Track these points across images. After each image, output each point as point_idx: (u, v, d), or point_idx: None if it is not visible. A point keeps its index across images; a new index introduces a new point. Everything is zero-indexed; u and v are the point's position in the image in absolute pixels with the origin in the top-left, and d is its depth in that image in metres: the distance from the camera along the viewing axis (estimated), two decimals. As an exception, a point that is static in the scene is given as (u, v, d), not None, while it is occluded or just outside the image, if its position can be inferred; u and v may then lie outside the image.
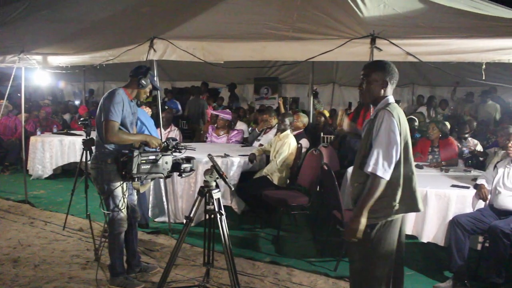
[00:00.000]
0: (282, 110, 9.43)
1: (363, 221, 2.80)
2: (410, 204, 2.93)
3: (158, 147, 3.90)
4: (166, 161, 3.80)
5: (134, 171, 3.62)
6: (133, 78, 4.01)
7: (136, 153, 3.63)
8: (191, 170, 3.93)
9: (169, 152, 3.87)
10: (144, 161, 3.68)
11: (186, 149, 4.04)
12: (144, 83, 3.99)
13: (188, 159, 3.92)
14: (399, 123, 2.81)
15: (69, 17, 7.24)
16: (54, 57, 6.46)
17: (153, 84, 4.09)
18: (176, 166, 3.86)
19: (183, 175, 3.96)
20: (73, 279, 4.19)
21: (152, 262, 4.61)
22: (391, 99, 2.95)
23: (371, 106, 3.16)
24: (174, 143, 3.93)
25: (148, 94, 4.16)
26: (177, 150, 3.95)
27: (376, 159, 2.76)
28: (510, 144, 4.34)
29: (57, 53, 6.50)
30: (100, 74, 12.69)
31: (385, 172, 2.76)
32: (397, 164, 2.81)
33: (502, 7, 5.98)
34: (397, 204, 2.86)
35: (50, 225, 5.72)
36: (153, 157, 3.74)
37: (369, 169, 2.76)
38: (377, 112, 2.88)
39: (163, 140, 4.05)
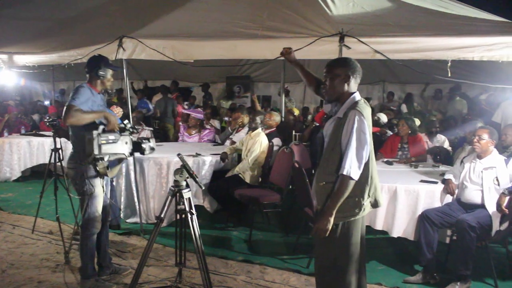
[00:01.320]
0: (258, 107, 9.43)
1: (331, 220, 2.85)
2: (374, 201, 3.00)
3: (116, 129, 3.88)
4: (126, 141, 3.80)
5: (96, 151, 3.59)
6: (91, 73, 3.97)
7: (95, 134, 3.59)
8: (152, 148, 3.93)
9: (127, 133, 3.86)
10: (104, 142, 3.65)
11: (144, 128, 4.03)
12: (103, 73, 3.96)
13: (148, 138, 3.93)
14: (368, 123, 2.85)
15: (35, 15, 7.11)
16: (21, 56, 6.35)
17: (111, 68, 4.05)
18: (136, 146, 3.87)
19: (145, 153, 3.96)
20: (43, 283, 4.12)
21: (124, 264, 4.56)
22: (357, 96, 2.95)
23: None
24: (130, 124, 3.92)
25: (112, 79, 4.10)
26: (134, 130, 3.94)
27: (350, 162, 2.79)
28: (475, 140, 4.43)
29: (24, 52, 6.38)
30: (70, 73, 12.42)
31: (356, 174, 2.81)
32: (366, 163, 2.86)
33: (468, 6, 6.12)
34: (365, 202, 2.91)
35: (18, 229, 5.59)
36: (113, 137, 3.73)
37: (344, 172, 2.79)
38: (347, 111, 2.88)
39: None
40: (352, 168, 2.79)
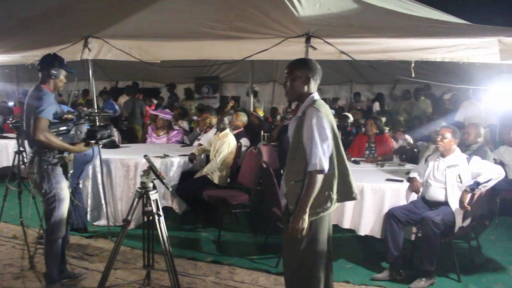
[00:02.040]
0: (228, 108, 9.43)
1: (306, 218, 2.87)
2: (346, 193, 3.04)
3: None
4: (80, 130, 3.76)
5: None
6: (43, 71, 3.86)
7: None
8: (109, 136, 3.89)
9: (82, 121, 3.80)
10: (54, 133, 3.62)
11: (101, 115, 3.98)
12: (55, 72, 3.84)
13: (105, 126, 3.88)
14: (327, 119, 2.90)
15: (-3, 14, 6.94)
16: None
17: (65, 69, 3.94)
18: (91, 134, 3.81)
19: (100, 143, 3.91)
20: (6, 289, 4.03)
21: (91, 267, 4.49)
22: (316, 96, 3.02)
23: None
24: (87, 111, 3.86)
25: (65, 81, 3.99)
26: (91, 118, 3.87)
27: (315, 156, 2.83)
28: (439, 139, 4.53)
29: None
30: (34, 74, 12.14)
31: (324, 166, 2.85)
32: (330, 157, 2.91)
33: (430, 8, 6.27)
34: (335, 195, 2.95)
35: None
36: (64, 127, 3.68)
37: (313, 168, 2.83)
38: (305, 109, 2.95)
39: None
40: (318, 161, 2.83)
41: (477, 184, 4.22)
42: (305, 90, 3.03)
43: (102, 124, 3.93)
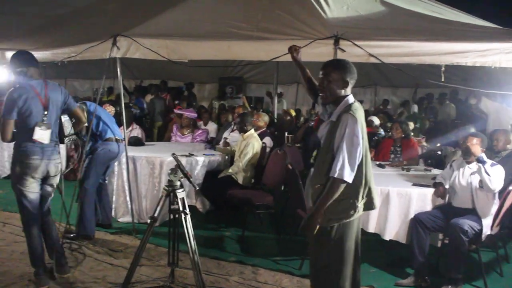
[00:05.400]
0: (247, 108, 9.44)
1: (320, 219, 2.87)
2: (368, 202, 3.01)
3: None
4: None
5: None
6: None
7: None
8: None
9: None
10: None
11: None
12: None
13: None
14: (361, 126, 2.87)
15: (29, 11, 7.05)
16: (13, 52, 6.26)
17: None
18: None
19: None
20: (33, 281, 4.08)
21: (115, 263, 4.55)
22: (351, 99, 2.97)
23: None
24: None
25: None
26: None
27: (342, 164, 2.80)
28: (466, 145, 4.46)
29: (16, 48, 6.29)
30: (62, 71, 12.33)
31: (350, 177, 2.82)
32: (360, 165, 2.88)
33: (459, 12, 6.18)
34: (359, 204, 2.93)
35: (9, 226, 5.50)
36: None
37: (335, 175, 2.80)
38: (340, 115, 2.90)
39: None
40: (344, 171, 2.79)
41: (484, 162, 4.21)
42: (341, 93, 2.98)
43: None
